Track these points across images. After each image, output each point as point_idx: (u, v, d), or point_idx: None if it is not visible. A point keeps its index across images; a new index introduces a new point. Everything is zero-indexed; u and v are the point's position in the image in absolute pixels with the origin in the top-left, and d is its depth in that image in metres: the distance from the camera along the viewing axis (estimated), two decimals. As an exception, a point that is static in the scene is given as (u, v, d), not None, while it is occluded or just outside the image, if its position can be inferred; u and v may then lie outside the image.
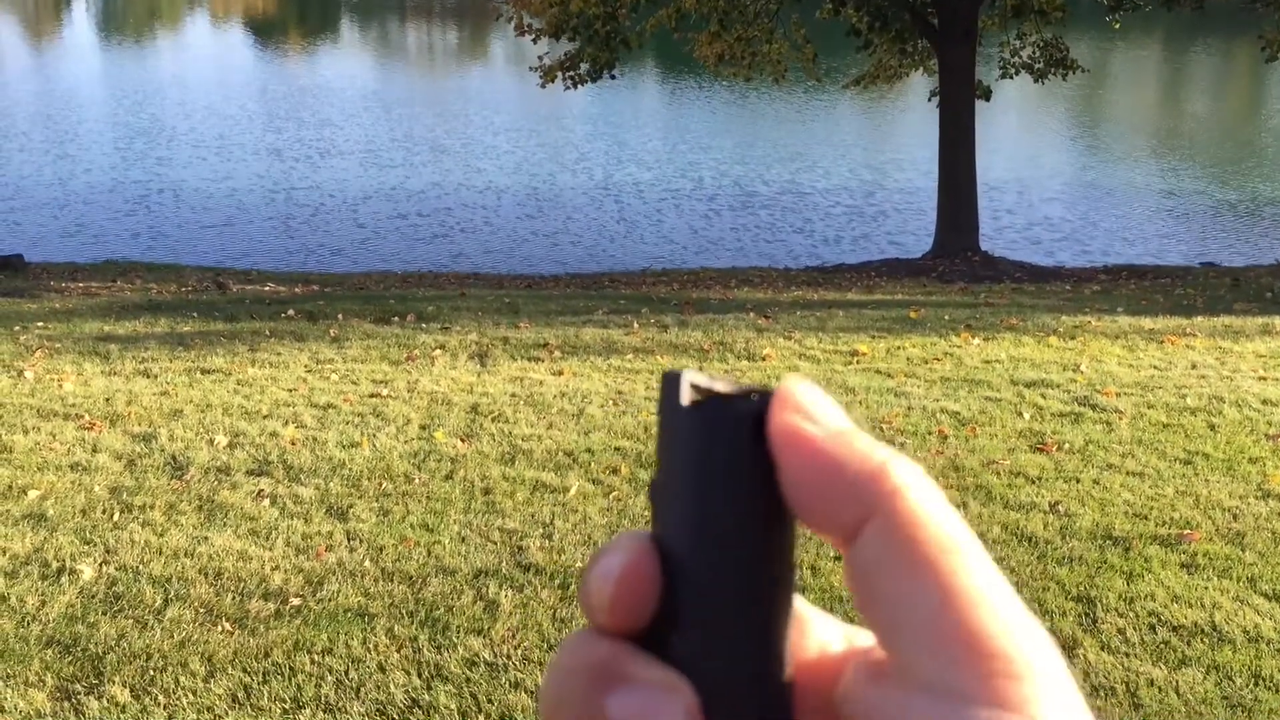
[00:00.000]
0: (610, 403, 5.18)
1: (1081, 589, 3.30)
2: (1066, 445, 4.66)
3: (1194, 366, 6.17)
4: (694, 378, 0.31)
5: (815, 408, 0.30)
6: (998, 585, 0.28)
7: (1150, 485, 4.21)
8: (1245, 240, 14.54)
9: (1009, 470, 4.35)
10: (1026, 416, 5.06)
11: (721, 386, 0.31)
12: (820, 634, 0.34)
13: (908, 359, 6.27)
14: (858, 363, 6.20)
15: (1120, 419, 5.01)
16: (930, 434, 4.83)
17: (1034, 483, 4.22)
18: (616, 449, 4.58)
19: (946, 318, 7.71)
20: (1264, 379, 5.90)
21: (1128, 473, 4.34)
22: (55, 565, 3.30)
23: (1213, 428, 4.90)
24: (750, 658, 0.30)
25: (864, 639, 0.33)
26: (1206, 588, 3.32)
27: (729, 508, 0.30)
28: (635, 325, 7.15)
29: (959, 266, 11.92)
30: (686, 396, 0.31)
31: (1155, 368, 6.12)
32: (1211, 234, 14.86)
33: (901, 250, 13.32)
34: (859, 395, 5.25)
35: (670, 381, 0.31)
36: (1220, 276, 11.19)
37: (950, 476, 4.28)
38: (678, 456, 0.31)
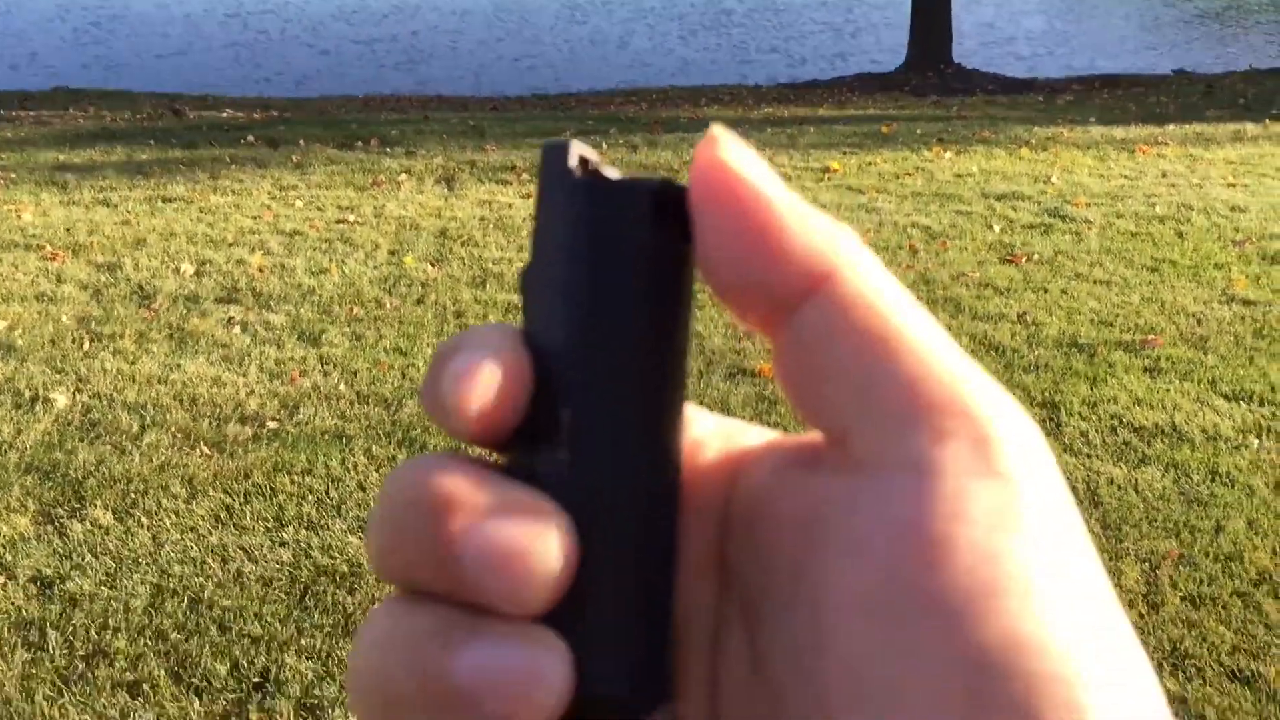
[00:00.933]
0: (580, 224, 5.14)
1: (1047, 395, 3.36)
2: (1036, 256, 4.68)
3: (1164, 175, 6.15)
4: (583, 150, 0.26)
5: (749, 165, 0.25)
6: (952, 348, 0.25)
7: (1117, 293, 4.25)
8: (1222, 45, 14.32)
9: (978, 282, 4.38)
10: (997, 229, 5.06)
11: (611, 172, 0.27)
12: (695, 429, 0.29)
13: (879, 175, 6.22)
14: (829, 180, 6.15)
15: (1089, 229, 5.02)
16: (901, 249, 4.83)
17: (1003, 294, 4.25)
18: (588, 270, 4.56)
19: (919, 132, 7.61)
20: (1233, 185, 5.90)
21: (1095, 281, 4.37)
22: (28, 394, 3.29)
23: (1180, 235, 4.93)
24: (640, 470, 0.26)
25: (747, 435, 0.29)
26: (1168, 390, 3.39)
27: (622, 295, 0.25)
28: (604, 146, 7.02)
29: (932, 80, 11.70)
30: (575, 167, 0.26)
31: (1125, 177, 6.10)
32: (1188, 41, 14.61)
33: (879, 67, 13.06)
34: (829, 211, 5.22)
35: (554, 152, 0.27)
36: (1194, 84, 11.05)
37: (920, 290, 4.30)
38: (561, 235, 0.26)
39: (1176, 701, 2.05)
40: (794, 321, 0.25)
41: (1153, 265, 4.56)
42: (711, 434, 0.29)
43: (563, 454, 0.25)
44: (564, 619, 0.24)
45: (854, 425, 0.24)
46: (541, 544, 0.24)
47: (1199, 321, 3.97)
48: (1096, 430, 3.14)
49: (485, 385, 0.24)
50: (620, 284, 0.25)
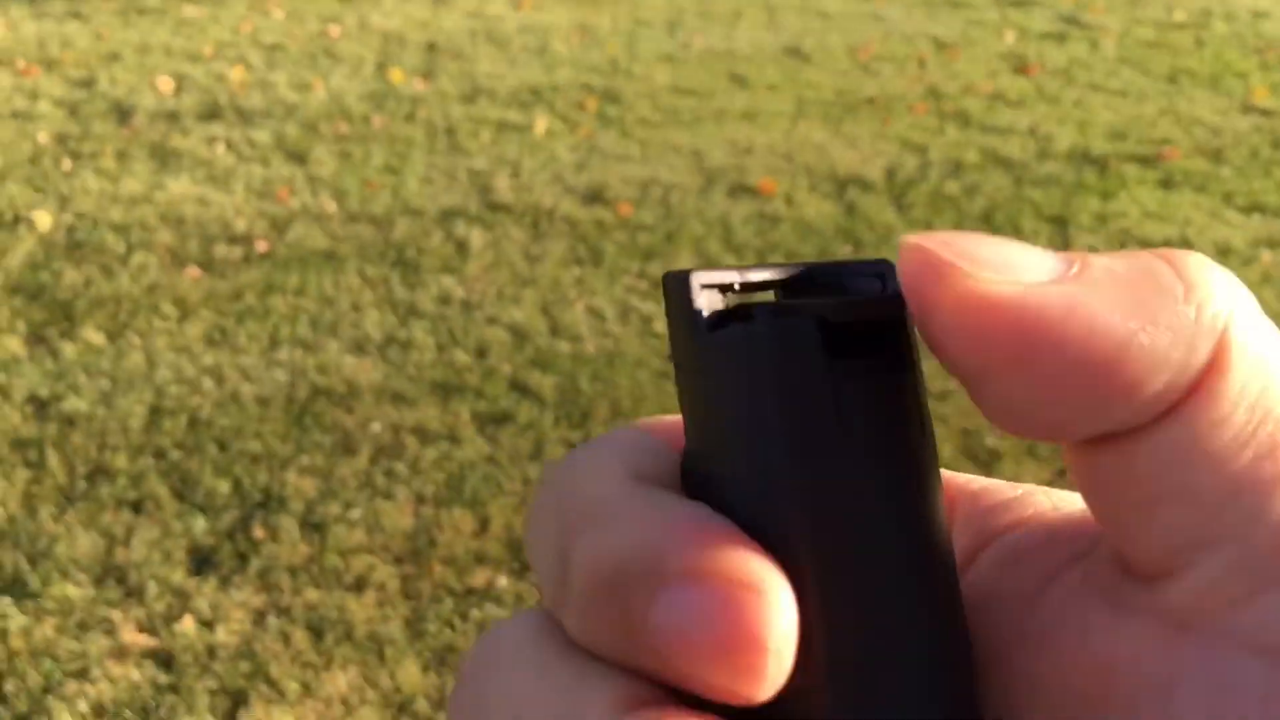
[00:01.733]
0: (574, 36, 4.93)
1: (1056, 209, 3.29)
2: (1049, 67, 4.52)
3: (1184, -18, 5.90)
4: (708, 277, 0.20)
5: (1010, 274, 0.18)
6: None
7: (1132, 104, 4.12)
8: None
9: (989, 94, 4.24)
10: (1009, 39, 4.87)
11: (743, 278, 0.20)
12: None
13: (886, -18, 5.96)
14: (833, -12, 5.89)
15: (1106, 37, 4.83)
16: (909, 60, 4.66)
17: (1014, 106, 4.12)
18: (583, 85, 4.41)
19: (927, -62, 7.27)
20: (1255, -7, 5.67)
21: (1110, 92, 4.23)
22: (9, 215, 3.21)
23: (1200, 43, 4.75)
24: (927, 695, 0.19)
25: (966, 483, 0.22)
26: (1181, 204, 3.31)
27: (846, 465, 0.19)
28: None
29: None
30: (706, 311, 0.19)
31: (1143, -15, 5.86)
32: None
33: None
34: (834, 21, 5.01)
35: (676, 291, 0.20)
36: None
37: (929, 103, 4.16)
38: (728, 416, 0.19)
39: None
40: (1137, 442, 0.18)
41: (1170, 75, 4.41)
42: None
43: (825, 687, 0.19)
44: None
45: (1194, 567, 0.18)
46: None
47: (1215, 133, 3.85)
48: (1106, 245, 3.07)
49: (774, 642, 0.17)
50: (837, 456, 0.19)
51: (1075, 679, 0.19)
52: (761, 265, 0.21)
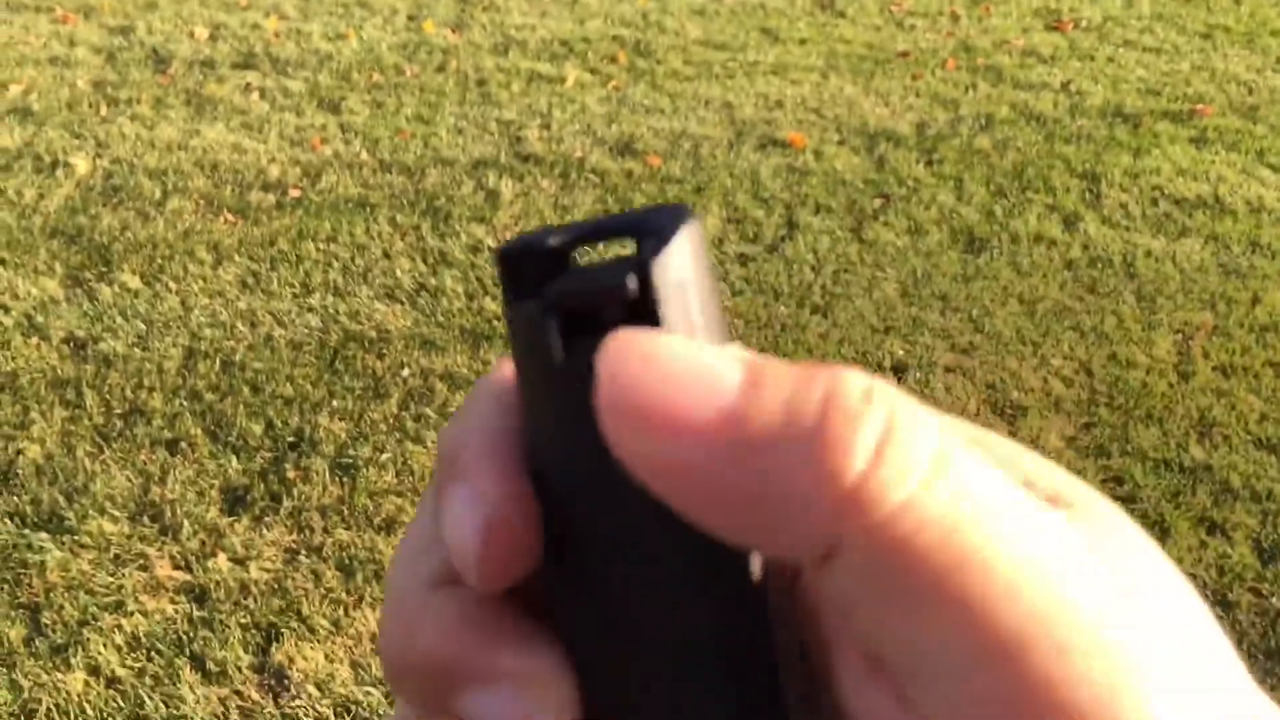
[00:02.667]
0: (606, -14, 4.91)
1: (1087, 166, 3.26)
2: (1084, 22, 4.46)
3: (1228, -64, 5.78)
4: (513, 245, 0.21)
5: (670, 370, 0.18)
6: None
7: (1166, 61, 4.06)
8: None
9: (1021, 50, 4.19)
10: (1045, -7, 4.81)
11: (544, 243, 0.21)
12: None
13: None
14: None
15: (1144, -7, 4.76)
16: (942, 15, 4.61)
17: (1046, 62, 4.07)
18: (614, 37, 4.39)
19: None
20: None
21: (1144, 49, 4.17)
22: (48, 159, 3.25)
23: (1236, 0, 4.67)
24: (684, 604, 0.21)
25: None
26: (1213, 161, 3.28)
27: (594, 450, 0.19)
28: None
29: None
30: (510, 283, 0.21)
31: (1186, -62, 5.74)
32: None
33: None
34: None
35: (497, 256, 0.21)
36: None
37: (960, 58, 4.12)
38: (538, 385, 0.21)
39: (1201, 468, 2.06)
40: (817, 577, 0.19)
41: (1205, 31, 4.34)
42: None
43: (577, 593, 0.21)
44: None
45: (919, 700, 0.19)
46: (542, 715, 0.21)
47: (1250, 90, 3.80)
48: (1137, 202, 3.05)
49: (479, 560, 0.21)
50: (554, 422, 0.20)
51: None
52: (567, 226, 0.21)
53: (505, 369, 0.23)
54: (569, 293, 0.20)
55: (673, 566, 0.20)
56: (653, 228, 0.20)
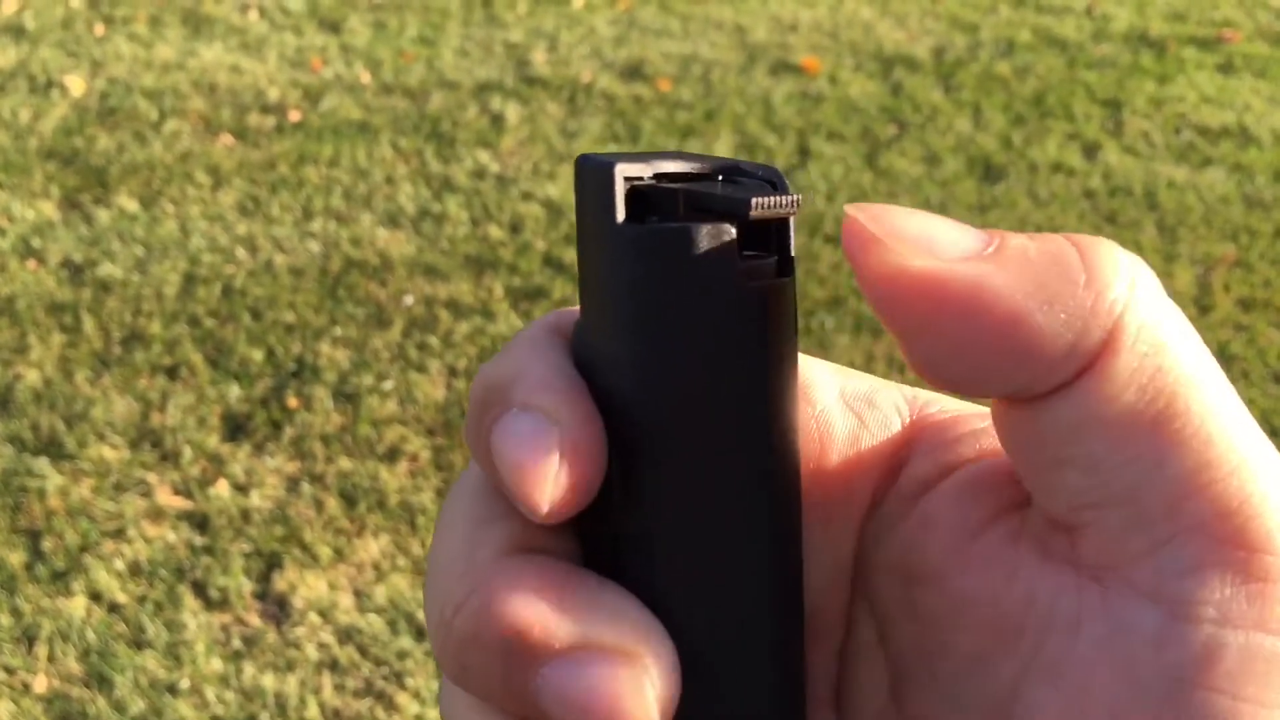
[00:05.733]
0: (615, -96, 4.77)
1: (1110, 93, 3.18)
2: (1108, -56, 4.33)
3: None
4: (630, 168, 0.21)
5: (934, 249, 0.20)
6: (1255, 452, 0.19)
7: (1194, -14, 3.95)
8: None
9: (1044, -28, 4.07)
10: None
11: (654, 169, 0.21)
12: (817, 393, 0.24)
13: None
14: None
15: (1170, -85, 4.62)
16: (961, -65, 4.48)
17: (1069, -15, 3.96)
18: (623, -45, 4.27)
19: None
20: None
21: (1171, -27, 4.06)
22: (43, 79, 3.18)
23: (1270, -77, 4.53)
24: (744, 537, 0.21)
25: (886, 397, 0.24)
26: (1240, 89, 3.19)
27: (708, 361, 0.21)
28: None
29: None
30: (621, 206, 0.21)
31: None
32: None
33: None
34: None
35: (594, 179, 0.21)
36: None
37: (980, -20, 4.01)
38: (622, 301, 0.21)
39: (1219, 403, 2.02)
40: (1040, 410, 0.20)
41: (1235, -45, 4.21)
42: (839, 399, 0.24)
43: (649, 533, 0.21)
44: None
45: (1096, 525, 0.20)
46: (634, 691, 0.20)
47: (1279, 16, 3.69)
48: (1160, 130, 2.97)
49: (555, 478, 0.20)
50: (700, 348, 0.21)
51: (1001, 607, 0.21)
52: (668, 155, 0.22)
53: (545, 321, 0.23)
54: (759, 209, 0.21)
55: (743, 495, 0.21)
56: (751, 173, 0.22)
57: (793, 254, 0.22)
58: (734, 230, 0.21)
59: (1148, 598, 0.19)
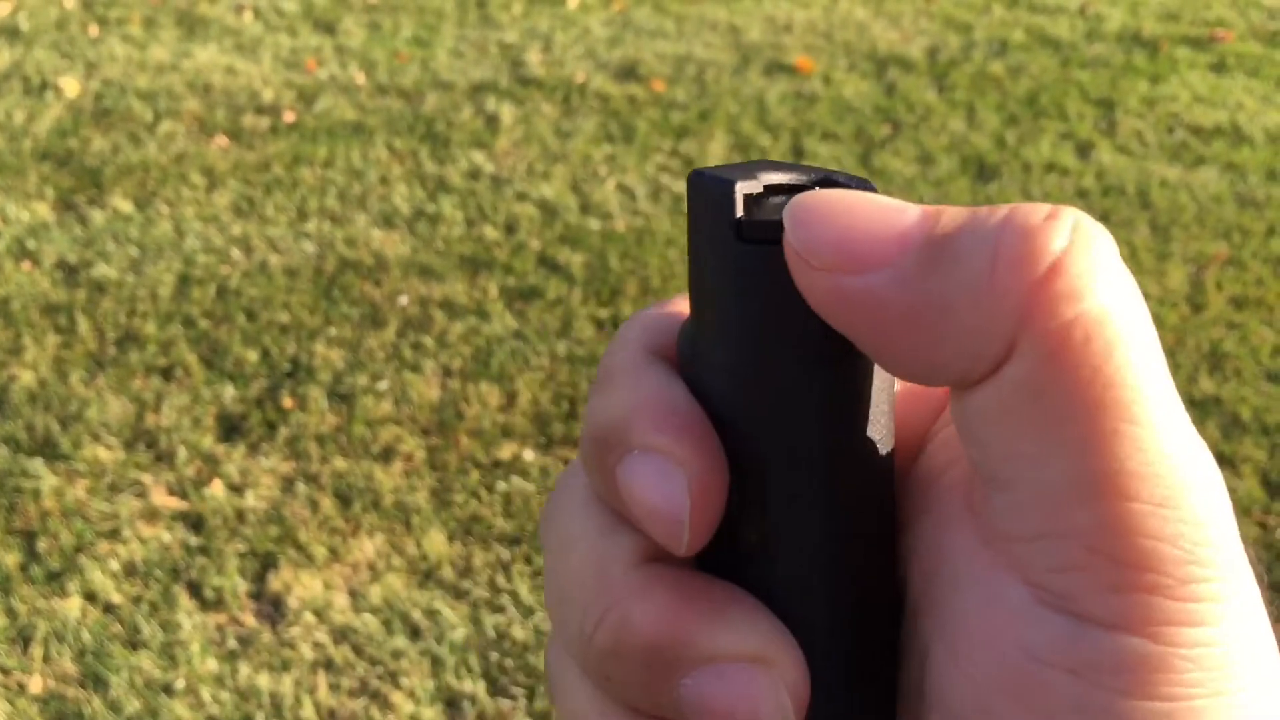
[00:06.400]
0: (610, -95, 4.77)
1: (1103, 92, 3.18)
2: (1101, -56, 4.34)
3: None
4: (748, 186, 0.22)
5: (835, 238, 0.20)
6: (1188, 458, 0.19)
7: (1187, -15, 3.96)
8: None
9: (1037, -28, 4.08)
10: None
11: (765, 181, 0.22)
12: None
13: None
14: None
15: (1163, -85, 4.63)
16: (955, -65, 4.48)
17: (1063, -15, 3.97)
18: (617, -44, 4.28)
19: None
20: None
21: (1164, -27, 4.07)
22: (37, 81, 3.18)
23: (1262, -77, 4.54)
24: (853, 549, 0.23)
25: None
26: (1232, 89, 3.20)
27: (821, 374, 0.22)
28: None
29: None
30: (742, 220, 0.22)
31: None
32: None
33: None
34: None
35: (711, 196, 0.22)
36: None
37: (974, -20, 4.02)
38: (736, 312, 0.22)
39: (1211, 401, 2.03)
40: (964, 400, 0.21)
41: (1228, -45, 4.22)
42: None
43: (768, 542, 0.22)
44: None
45: (993, 501, 0.21)
46: (771, 696, 0.21)
47: (1272, 15, 3.70)
48: (1153, 130, 2.98)
49: (690, 524, 0.21)
50: (816, 357, 0.22)
51: (931, 556, 0.22)
52: (765, 165, 0.23)
53: (636, 338, 0.24)
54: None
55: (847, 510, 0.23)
56: (846, 182, 0.23)
57: None
58: None
59: (1021, 577, 0.20)
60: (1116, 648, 0.19)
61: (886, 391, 0.23)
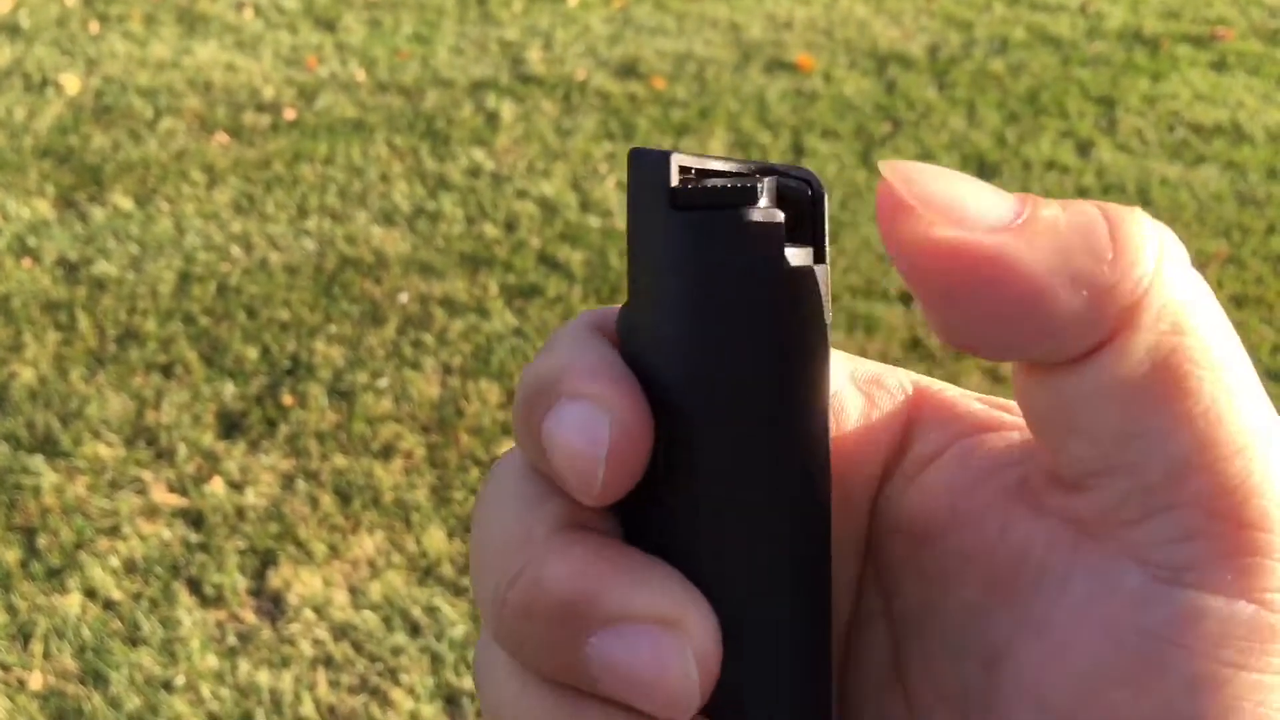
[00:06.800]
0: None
1: (1103, 90, 3.18)
2: (1102, -58, 4.33)
3: None
4: (684, 159, 0.22)
5: (966, 214, 0.20)
6: (1261, 435, 0.20)
7: (1188, -17, 3.95)
8: None
9: (1038, -30, 4.08)
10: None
11: (702, 164, 0.22)
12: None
13: None
14: None
15: (1164, -87, 4.62)
16: (956, -68, 4.48)
17: (1063, -17, 3.96)
18: (618, -47, 4.27)
19: None
20: None
21: (1165, -29, 4.06)
22: (38, 77, 3.18)
23: (1263, -79, 4.53)
24: (784, 514, 0.22)
25: (894, 381, 0.25)
26: (1233, 87, 3.20)
27: (749, 343, 0.22)
28: None
29: None
30: (676, 189, 0.22)
31: None
32: None
33: None
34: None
35: (648, 168, 0.22)
36: None
37: (975, -22, 4.01)
38: (668, 282, 0.22)
39: (1212, 399, 2.03)
40: (1057, 378, 0.21)
41: (1229, -47, 4.22)
42: (849, 380, 0.25)
43: (693, 507, 0.22)
44: (718, 709, 0.22)
45: (1098, 489, 0.21)
46: (677, 658, 0.21)
47: (1273, 14, 3.70)
48: (1154, 128, 2.98)
49: (607, 464, 0.21)
50: (747, 328, 0.22)
51: (996, 560, 0.22)
52: (716, 157, 0.23)
53: (582, 319, 0.24)
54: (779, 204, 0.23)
55: (775, 476, 0.22)
56: (790, 172, 0.23)
57: (827, 244, 0.24)
58: (781, 215, 0.22)
59: (1134, 560, 0.20)
60: (1233, 616, 0.19)
61: (824, 371, 0.23)
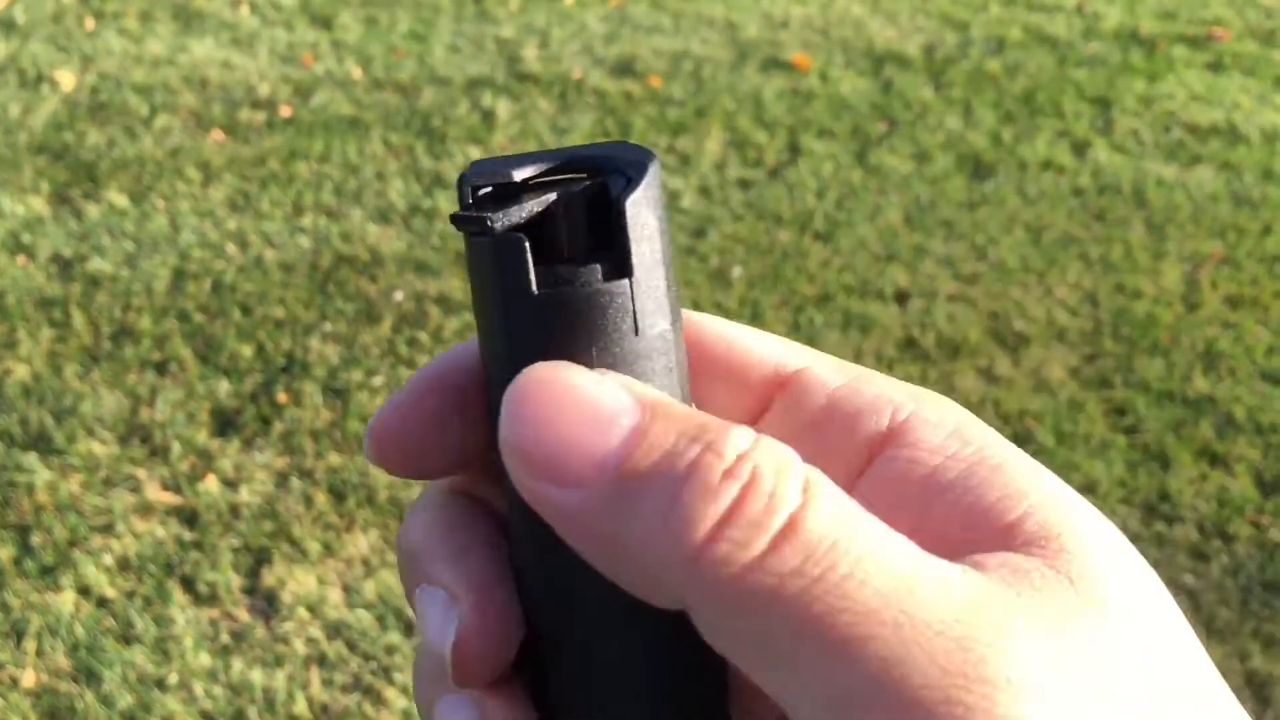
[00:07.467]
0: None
1: (1099, 90, 3.19)
2: (1099, -58, 4.34)
3: None
4: (477, 178, 0.21)
5: (550, 443, 0.20)
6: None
7: (1184, -16, 3.96)
8: None
9: (1035, -30, 4.08)
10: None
11: (509, 175, 0.21)
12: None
13: None
14: None
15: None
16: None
17: (1060, -17, 3.97)
18: (615, -48, 4.27)
19: None
20: None
21: (1162, -29, 4.06)
22: (33, 74, 3.17)
23: (1260, -78, 4.54)
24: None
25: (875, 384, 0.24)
26: (1229, 87, 3.20)
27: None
28: None
29: None
30: (453, 214, 0.22)
31: None
32: None
33: None
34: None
35: (458, 185, 0.22)
36: None
37: (971, -23, 4.01)
38: (477, 310, 0.22)
39: (1206, 400, 2.03)
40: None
41: (1225, -46, 4.22)
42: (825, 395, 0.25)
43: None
44: None
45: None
46: (438, 621, 0.23)
47: (1269, 15, 3.70)
48: (1149, 128, 2.98)
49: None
50: (515, 353, 0.21)
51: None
52: (547, 155, 0.22)
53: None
54: (542, 229, 0.21)
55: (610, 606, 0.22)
56: (618, 166, 0.21)
57: (632, 255, 0.21)
58: (523, 238, 0.20)
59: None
60: None
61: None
